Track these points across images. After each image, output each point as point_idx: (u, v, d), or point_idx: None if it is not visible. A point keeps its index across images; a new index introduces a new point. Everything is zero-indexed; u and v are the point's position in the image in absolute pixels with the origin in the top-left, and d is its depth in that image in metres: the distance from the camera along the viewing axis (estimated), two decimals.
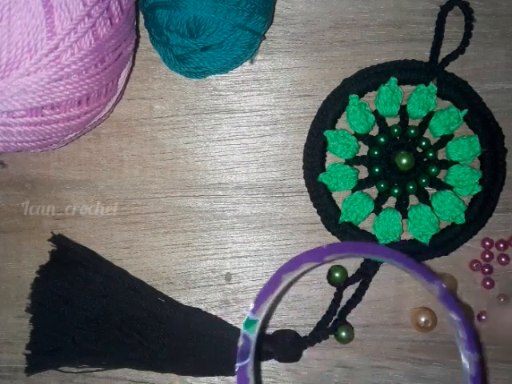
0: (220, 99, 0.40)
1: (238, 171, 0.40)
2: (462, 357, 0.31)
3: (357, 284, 0.39)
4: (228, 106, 0.40)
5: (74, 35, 0.31)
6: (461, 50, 0.39)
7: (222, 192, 0.40)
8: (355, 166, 0.39)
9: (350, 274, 0.39)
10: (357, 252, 0.33)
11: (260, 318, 0.31)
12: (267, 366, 0.39)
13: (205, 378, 0.39)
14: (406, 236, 0.39)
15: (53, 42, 0.30)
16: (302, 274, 0.39)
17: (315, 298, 0.40)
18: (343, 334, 0.38)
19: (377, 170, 0.38)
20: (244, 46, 0.36)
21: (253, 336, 0.31)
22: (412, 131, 0.39)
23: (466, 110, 0.38)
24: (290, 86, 0.40)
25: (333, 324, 0.38)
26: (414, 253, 0.38)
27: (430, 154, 0.39)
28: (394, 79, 0.38)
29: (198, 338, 0.38)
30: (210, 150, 0.40)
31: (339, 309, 0.39)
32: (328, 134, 0.38)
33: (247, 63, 0.40)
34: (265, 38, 0.39)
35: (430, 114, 0.39)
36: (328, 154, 0.39)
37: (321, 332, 0.38)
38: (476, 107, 0.38)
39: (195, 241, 0.40)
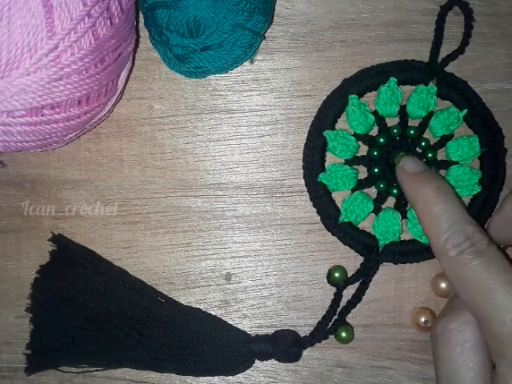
0: (220, 99, 0.40)
1: (238, 171, 0.40)
2: None
3: (357, 284, 0.39)
4: (228, 106, 0.40)
5: (74, 35, 0.31)
6: (460, 50, 0.39)
7: (222, 192, 0.40)
8: (355, 166, 0.39)
9: (350, 274, 0.39)
10: None
11: None
12: (267, 365, 0.39)
13: (205, 377, 0.39)
14: (406, 236, 0.39)
15: (53, 41, 0.30)
16: (302, 273, 0.40)
17: (315, 297, 0.40)
18: (343, 334, 0.38)
19: (376, 170, 0.38)
20: (244, 45, 0.36)
21: None
22: (412, 131, 0.39)
23: (465, 110, 0.38)
24: (289, 86, 0.40)
25: (333, 324, 0.38)
26: (413, 253, 0.38)
27: (430, 155, 0.38)
28: (393, 79, 0.38)
29: (198, 337, 0.38)
30: (210, 150, 0.40)
31: (339, 309, 0.39)
32: (328, 134, 0.38)
33: (247, 63, 0.40)
34: (265, 38, 0.39)
35: (430, 114, 0.39)
36: (328, 154, 0.39)
37: (321, 332, 0.38)
38: (476, 107, 0.38)
39: (195, 241, 0.40)
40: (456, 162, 0.38)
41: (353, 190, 0.39)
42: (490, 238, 0.32)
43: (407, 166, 0.36)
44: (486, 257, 0.31)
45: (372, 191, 0.39)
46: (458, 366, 0.32)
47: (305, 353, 0.39)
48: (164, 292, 0.39)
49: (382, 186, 0.38)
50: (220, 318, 0.39)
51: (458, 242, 0.32)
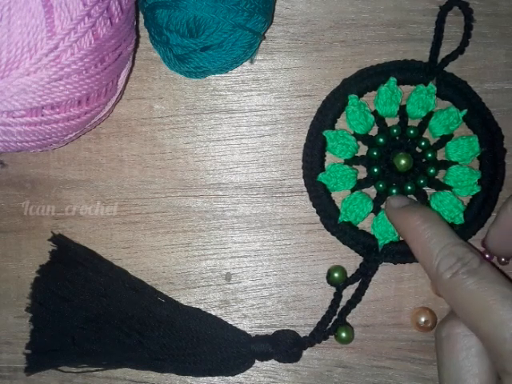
0: (220, 99, 0.40)
1: (238, 171, 0.40)
2: None
3: (357, 284, 0.39)
4: (228, 106, 0.40)
5: (74, 35, 0.31)
6: (460, 50, 0.39)
7: (222, 192, 0.40)
8: (354, 166, 0.39)
9: (349, 274, 0.39)
10: None
11: None
12: (267, 365, 0.39)
13: (205, 377, 0.39)
14: None
15: (53, 41, 0.30)
16: (302, 273, 0.40)
17: (315, 298, 0.40)
18: (343, 334, 0.38)
19: (375, 170, 0.38)
20: (244, 45, 0.36)
21: None
22: (411, 131, 0.39)
23: (465, 110, 0.38)
24: (289, 86, 0.40)
25: (333, 324, 0.38)
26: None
27: (429, 155, 0.39)
28: (393, 79, 0.38)
29: (198, 337, 0.38)
30: (210, 150, 0.40)
31: (339, 309, 0.39)
32: (327, 134, 0.38)
33: (247, 63, 0.40)
34: (265, 37, 0.39)
35: (430, 114, 0.39)
36: (327, 154, 0.39)
37: (321, 332, 0.38)
38: (475, 107, 0.38)
39: (195, 241, 0.40)
40: (455, 162, 0.38)
41: (352, 190, 0.39)
42: (483, 256, 0.32)
43: (393, 204, 0.37)
44: (479, 275, 0.31)
45: (371, 191, 0.39)
46: (464, 371, 0.31)
47: (305, 353, 0.39)
48: (164, 292, 0.39)
49: (381, 185, 0.38)
50: (220, 318, 0.39)
51: (450, 264, 0.32)
